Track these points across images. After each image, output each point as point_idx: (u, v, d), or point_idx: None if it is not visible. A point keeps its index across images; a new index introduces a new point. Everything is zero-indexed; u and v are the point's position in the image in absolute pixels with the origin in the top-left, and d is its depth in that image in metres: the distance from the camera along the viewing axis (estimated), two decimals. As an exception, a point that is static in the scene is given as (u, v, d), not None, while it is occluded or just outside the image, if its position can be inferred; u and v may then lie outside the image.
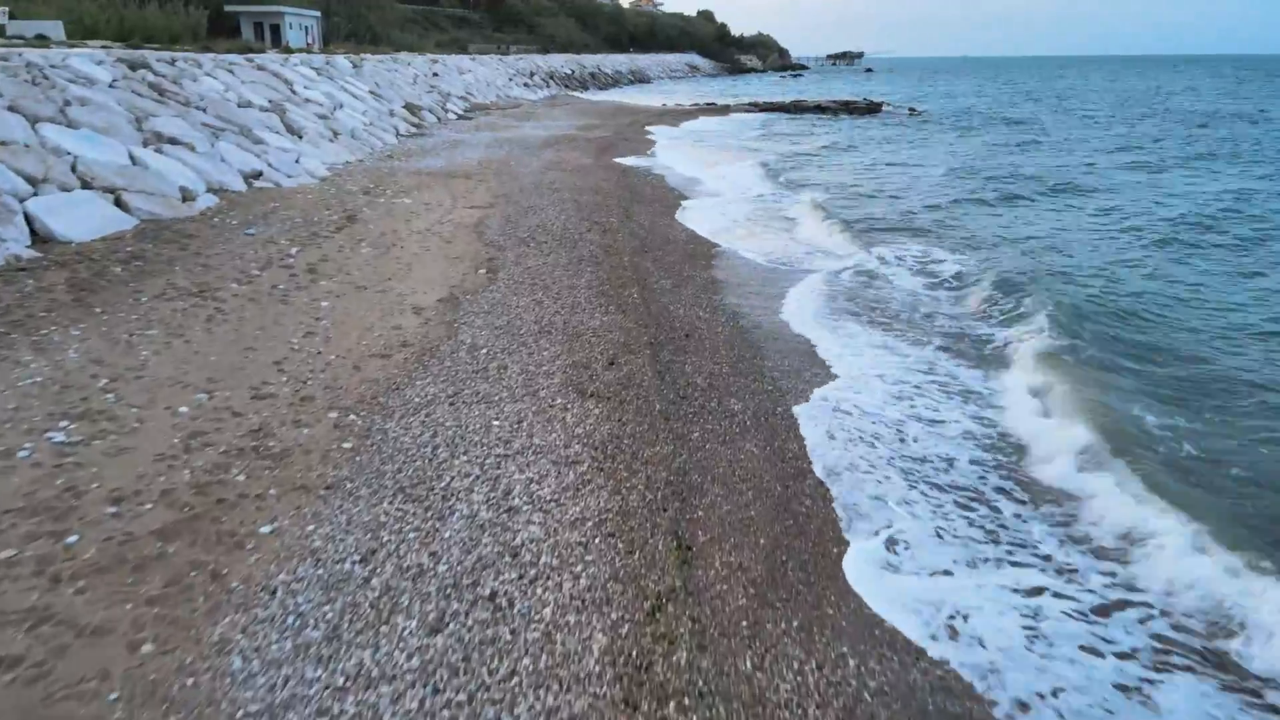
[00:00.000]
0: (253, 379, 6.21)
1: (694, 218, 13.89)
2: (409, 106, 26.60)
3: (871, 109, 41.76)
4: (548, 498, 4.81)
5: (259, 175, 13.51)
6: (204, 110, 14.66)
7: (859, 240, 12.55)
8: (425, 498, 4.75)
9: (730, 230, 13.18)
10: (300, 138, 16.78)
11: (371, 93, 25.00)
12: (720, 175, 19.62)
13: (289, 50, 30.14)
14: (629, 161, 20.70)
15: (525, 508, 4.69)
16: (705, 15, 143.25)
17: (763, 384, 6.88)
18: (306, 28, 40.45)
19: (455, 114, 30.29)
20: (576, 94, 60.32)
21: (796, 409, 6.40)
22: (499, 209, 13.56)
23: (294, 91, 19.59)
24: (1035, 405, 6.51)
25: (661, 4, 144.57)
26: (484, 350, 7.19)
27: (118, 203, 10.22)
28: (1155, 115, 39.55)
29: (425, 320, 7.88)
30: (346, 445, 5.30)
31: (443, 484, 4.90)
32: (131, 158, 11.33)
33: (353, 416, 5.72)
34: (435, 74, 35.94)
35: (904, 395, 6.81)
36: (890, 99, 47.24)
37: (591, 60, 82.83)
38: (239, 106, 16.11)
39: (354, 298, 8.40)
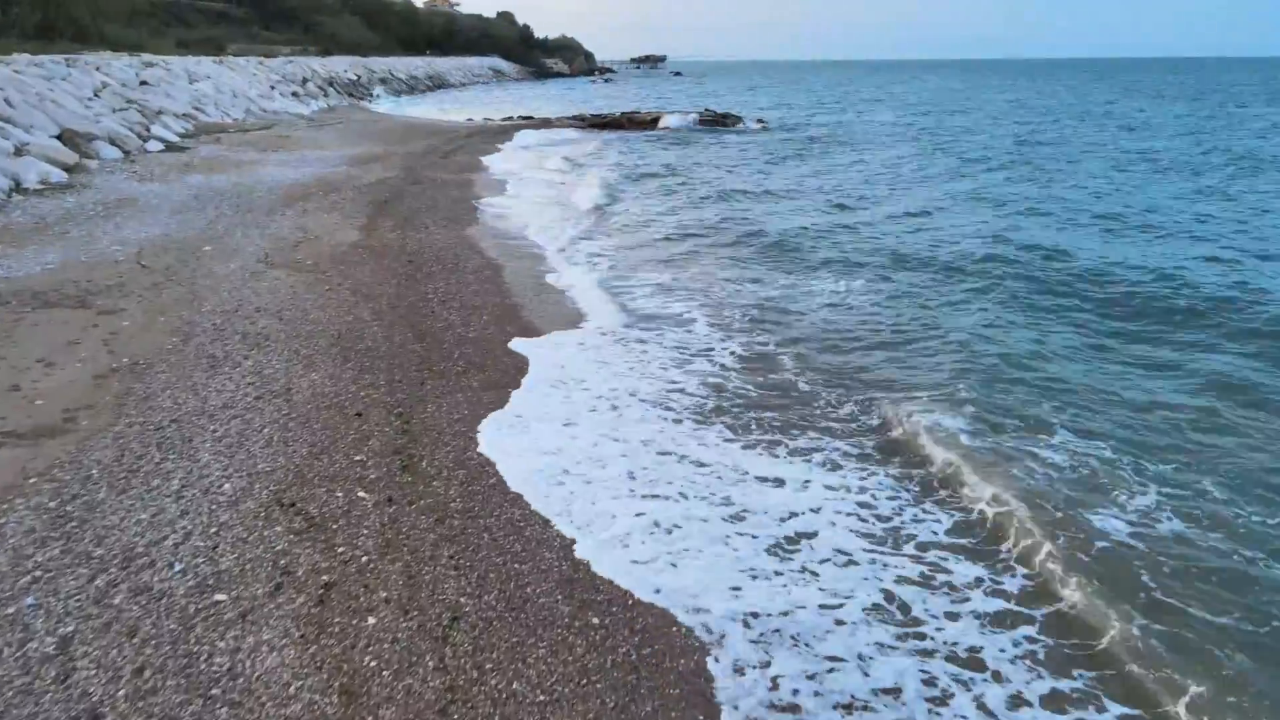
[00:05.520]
0: None
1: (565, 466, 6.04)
2: (68, 136, 16.92)
3: (719, 121, 35.32)
4: None
5: None
6: None
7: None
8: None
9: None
10: None
11: (-11, 117, 15.23)
12: (592, 266, 11.88)
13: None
14: (425, 236, 12.49)
15: None
16: (506, 16, 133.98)
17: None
18: (-47, 18, 28.74)
19: (164, 141, 20.63)
20: (365, 104, 50.43)
21: None
22: (64, 451, 5.19)
23: None
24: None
25: (458, 4, 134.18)
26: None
27: None
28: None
29: None
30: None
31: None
32: None
33: None
34: (144, 82, 25.74)
35: None
36: (717, 107, 41.05)
37: (381, 64, 72.25)
38: None
39: None
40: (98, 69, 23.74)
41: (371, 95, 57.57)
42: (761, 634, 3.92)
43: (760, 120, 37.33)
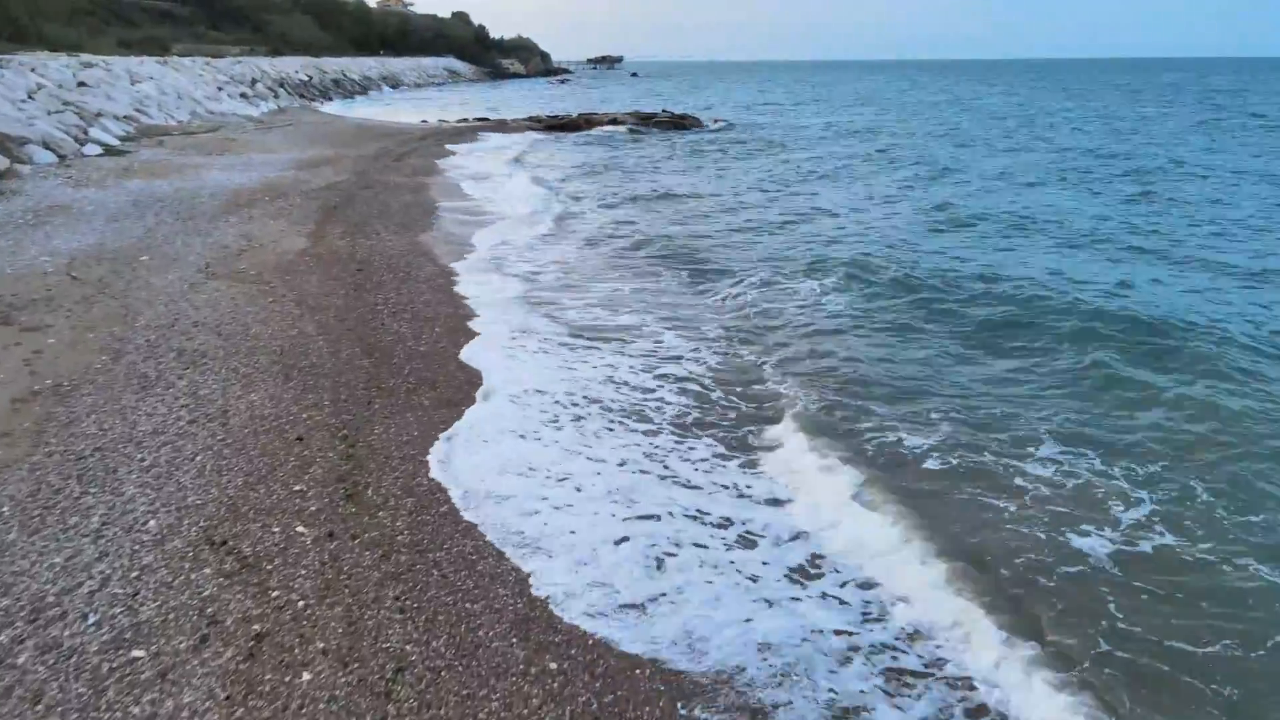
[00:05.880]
0: None
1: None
2: (-3, 140, 16.15)
3: (677, 122, 35.17)
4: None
5: None
6: None
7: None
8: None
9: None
10: None
11: (-90, 120, 14.44)
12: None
13: None
14: (376, 242, 12.07)
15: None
16: (461, 16, 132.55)
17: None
18: (-124, 16, 27.45)
19: (103, 145, 19.83)
20: (316, 105, 49.38)
21: None
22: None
23: None
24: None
25: (412, 4, 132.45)
26: None
27: None
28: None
29: None
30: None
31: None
32: None
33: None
34: (82, 83, 24.81)
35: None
36: (675, 109, 40.96)
37: (334, 64, 70.89)
38: None
39: None
40: (33, 70, 22.81)
41: (325, 97, 56.43)
42: (778, 671, 3.67)
43: (717, 120, 37.37)
